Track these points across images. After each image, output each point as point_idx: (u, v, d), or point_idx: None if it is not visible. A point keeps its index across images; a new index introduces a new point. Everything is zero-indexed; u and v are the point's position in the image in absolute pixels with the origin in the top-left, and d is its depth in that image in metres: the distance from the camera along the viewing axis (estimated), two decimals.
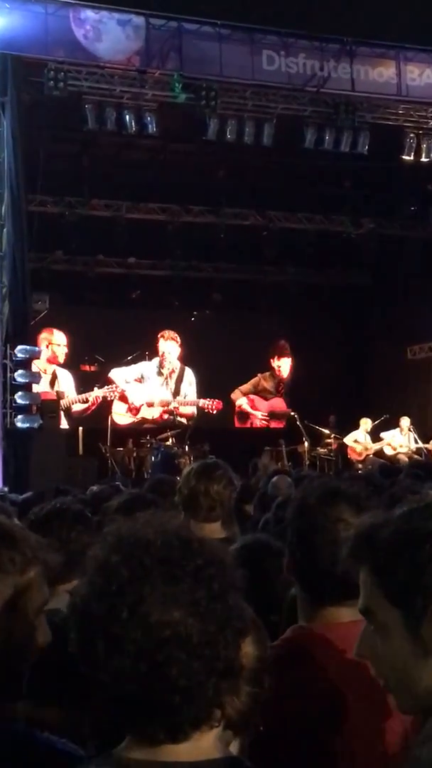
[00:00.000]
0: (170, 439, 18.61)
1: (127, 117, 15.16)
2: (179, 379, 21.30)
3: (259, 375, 22.55)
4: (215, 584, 1.49)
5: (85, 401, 19.61)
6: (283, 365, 22.48)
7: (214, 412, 20.47)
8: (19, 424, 14.13)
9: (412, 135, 16.72)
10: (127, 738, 1.52)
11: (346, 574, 2.26)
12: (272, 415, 22.05)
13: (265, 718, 1.64)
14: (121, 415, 20.37)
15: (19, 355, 14.22)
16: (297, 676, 2.20)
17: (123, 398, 20.40)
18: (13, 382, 14.19)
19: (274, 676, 2.10)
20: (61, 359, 20.29)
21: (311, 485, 2.51)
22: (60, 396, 19.04)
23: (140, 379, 20.86)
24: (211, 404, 20.49)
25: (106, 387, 19.60)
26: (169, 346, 20.99)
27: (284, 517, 2.67)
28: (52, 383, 19.89)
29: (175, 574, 1.47)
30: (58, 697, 2.21)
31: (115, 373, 20.53)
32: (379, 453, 18.18)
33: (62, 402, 18.89)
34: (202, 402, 20.62)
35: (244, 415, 22.10)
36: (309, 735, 2.13)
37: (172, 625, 1.44)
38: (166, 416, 20.47)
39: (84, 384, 20.32)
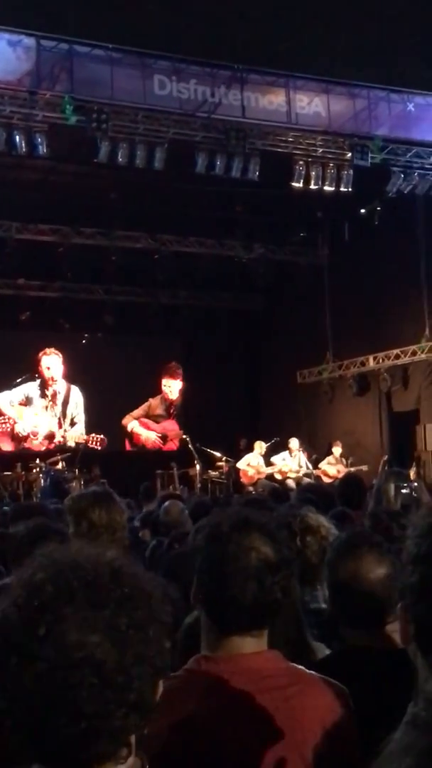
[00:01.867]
0: (60, 463, 18.43)
1: (17, 138, 14.99)
2: (65, 401, 21.09)
3: (150, 399, 22.52)
4: (138, 614, 1.47)
5: None
6: (173, 387, 22.49)
7: (99, 448, 20.23)
8: None
9: (301, 162, 16.93)
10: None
11: (254, 603, 2.27)
12: (163, 438, 22.04)
13: (162, 751, 1.60)
14: (5, 443, 20.05)
15: None
16: (199, 707, 2.19)
17: (12, 430, 20.13)
18: None
19: (175, 707, 2.07)
20: None
21: (222, 513, 2.51)
22: None
23: (24, 402, 20.57)
24: (95, 441, 20.21)
25: None
26: (52, 361, 20.74)
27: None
28: None
29: (99, 599, 1.45)
30: None
31: (2, 399, 20.22)
32: (270, 477, 18.37)
33: None
34: (86, 437, 20.43)
35: (137, 437, 22.02)
36: (231, 763, 2.12)
37: (88, 648, 1.41)
38: (51, 447, 20.26)
39: None
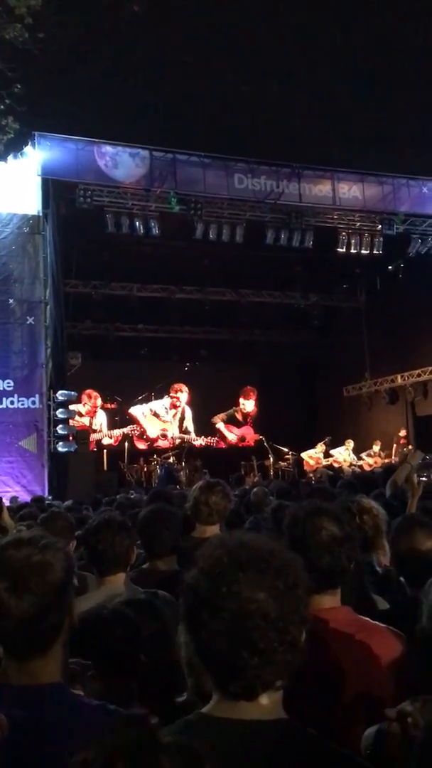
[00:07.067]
0: (171, 458, 18.52)
1: (137, 223, 15.22)
2: (182, 417, 21.37)
3: (233, 408, 22.61)
4: (290, 579, 1.49)
5: (111, 437, 19.71)
6: (248, 404, 22.68)
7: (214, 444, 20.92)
8: (60, 449, 14.00)
9: (344, 233, 16.83)
10: (214, 697, 1.51)
11: (328, 569, 2.22)
12: (242, 439, 22.04)
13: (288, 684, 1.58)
14: (140, 443, 20.42)
15: (60, 398, 14.14)
16: (310, 648, 2.14)
17: (142, 432, 20.47)
18: (55, 418, 14.09)
19: None
20: (98, 408, 20.40)
21: (300, 504, 2.47)
22: (96, 431, 19.39)
23: (156, 414, 20.96)
24: (214, 442, 20.89)
25: (129, 427, 19.71)
26: (182, 396, 21.26)
27: (280, 518, 2.62)
28: (91, 423, 19.99)
29: (262, 568, 1.48)
30: (109, 673, 2.09)
31: (134, 410, 20.55)
32: (328, 465, 18.15)
33: (95, 435, 18.96)
34: (205, 440, 20.99)
35: (221, 435, 22.13)
36: (323, 691, 2.07)
37: (257, 602, 1.44)
38: (171, 445, 20.51)
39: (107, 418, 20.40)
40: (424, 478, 5.32)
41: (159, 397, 20.96)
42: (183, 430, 21.36)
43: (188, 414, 21.48)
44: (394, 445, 18.58)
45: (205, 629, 1.45)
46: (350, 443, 18.76)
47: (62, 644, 1.71)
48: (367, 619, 2.31)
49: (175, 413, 21.21)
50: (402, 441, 18.92)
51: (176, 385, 21.04)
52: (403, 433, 19.05)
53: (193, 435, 21.24)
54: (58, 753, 1.50)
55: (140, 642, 2.14)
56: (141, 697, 2.09)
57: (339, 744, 1.57)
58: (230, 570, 1.46)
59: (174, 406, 21.11)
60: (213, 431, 21.89)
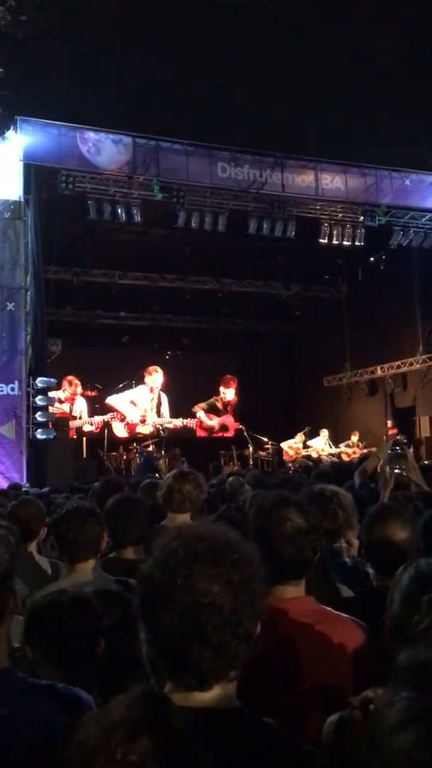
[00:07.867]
0: (150, 446, 18.49)
1: (119, 210, 15.11)
2: (159, 403, 21.30)
3: (214, 397, 22.59)
4: (245, 572, 1.49)
5: (92, 424, 19.61)
6: (228, 393, 22.63)
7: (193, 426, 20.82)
8: (39, 436, 13.92)
9: (326, 224, 16.81)
10: (167, 686, 1.49)
11: (291, 560, 2.23)
12: (223, 427, 22.04)
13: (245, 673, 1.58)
14: (120, 431, 20.31)
15: (39, 384, 14.04)
16: (269, 638, 2.16)
17: (122, 419, 20.37)
18: (35, 405, 14.00)
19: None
20: (78, 394, 20.25)
21: (266, 494, 2.47)
22: (76, 418, 19.24)
23: (134, 403, 20.86)
24: (193, 423, 20.75)
25: (109, 414, 19.63)
26: (157, 378, 21.06)
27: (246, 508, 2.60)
28: (71, 410, 19.85)
29: (217, 560, 1.47)
30: (65, 659, 2.09)
31: (112, 399, 20.44)
32: (308, 456, 18.19)
33: (76, 422, 18.84)
34: (184, 421, 20.89)
35: (202, 423, 22.09)
36: (280, 680, 2.08)
37: (212, 595, 1.43)
38: (154, 431, 20.42)
39: (87, 405, 20.29)
40: (397, 470, 5.31)
41: (137, 386, 20.90)
42: (160, 416, 21.33)
43: (164, 399, 21.45)
44: (384, 437, 18.66)
45: (158, 621, 1.44)
46: (325, 432, 18.83)
47: (5, 628, 1.72)
48: (330, 609, 2.32)
49: (152, 398, 21.15)
50: (391, 431, 19.02)
51: (150, 368, 20.95)
52: (390, 423, 19.16)
53: (168, 418, 21.23)
54: (7, 739, 1.51)
55: (99, 629, 2.14)
56: (102, 689, 2.09)
57: (294, 733, 1.58)
58: (185, 562, 1.45)
59: (151, 390, 21.04)
60: (195, 421, 21.90)
